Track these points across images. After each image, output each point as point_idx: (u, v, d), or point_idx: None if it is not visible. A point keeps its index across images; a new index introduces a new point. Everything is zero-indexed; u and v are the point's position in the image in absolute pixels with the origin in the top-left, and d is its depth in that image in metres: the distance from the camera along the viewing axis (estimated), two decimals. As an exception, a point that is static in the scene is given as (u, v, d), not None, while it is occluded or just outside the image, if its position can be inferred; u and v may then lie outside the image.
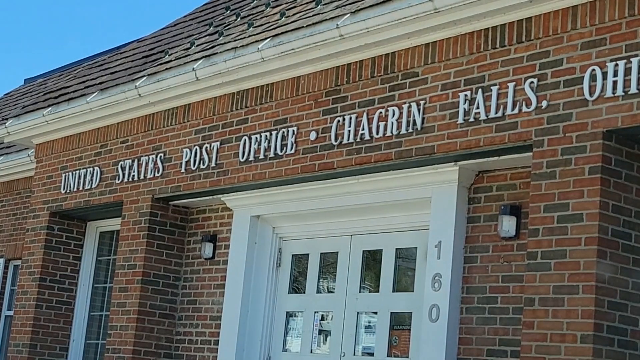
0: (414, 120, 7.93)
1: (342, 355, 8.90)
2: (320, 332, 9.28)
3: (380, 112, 8.22)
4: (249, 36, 9.53)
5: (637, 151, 6.87)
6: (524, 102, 7.17)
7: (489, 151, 7.53)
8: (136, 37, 23.84)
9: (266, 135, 9.28)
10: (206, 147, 9.93)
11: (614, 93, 6.62)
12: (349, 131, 8.45)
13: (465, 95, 7.59)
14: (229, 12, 11.54)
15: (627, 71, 6.58)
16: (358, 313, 8.90)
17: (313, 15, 8.93)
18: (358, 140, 8.36)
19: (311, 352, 9.30)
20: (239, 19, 10.75)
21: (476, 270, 7.78)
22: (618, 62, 6.64)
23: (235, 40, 9.73)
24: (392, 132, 8.08)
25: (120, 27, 46.46)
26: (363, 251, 8.98)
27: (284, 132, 9.11)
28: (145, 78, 10.56)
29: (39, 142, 12.57)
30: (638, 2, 6.59)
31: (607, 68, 6.69)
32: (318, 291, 9.43)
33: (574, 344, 6.56)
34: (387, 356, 8.55)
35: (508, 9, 7.29)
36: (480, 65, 7.54)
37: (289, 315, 9.61)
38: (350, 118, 8.46)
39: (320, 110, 8.80)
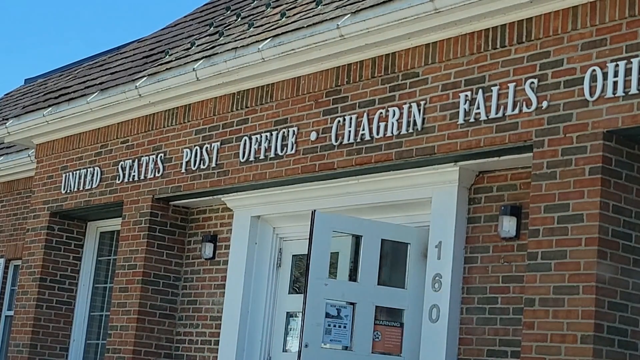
0: (415, 121, 7.93)
1: (342, 355, 8.88)
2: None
3: (381, 113, 8.22)
4: (250, 36, 9.53)
5: (638, 152, 6.87)
6: (524, 103, 7.17)
7: (489, 151, 7.53)
8: (136, 37, 23.87)
9: (266, 136, 9.29)
10: (206, 147, 9.94)
11: (614, 93, 6.62)
12: (350, 131, 8.45)
13: (466, 95, 7.59)
14: (229, 12, 11.55)
15: (628, 72, 6.58)
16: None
17: (313, 15, 8.94)
18: (358, 140, 8.36)
19: (311, 352, 9.29)
20: (239, 19, 10.75)
21: (476, 271, 7.78)
22: (618, 62, 6.64)
23: (235, 41, 9.73)
24: (392, 133, 8.09)
25: (120, 27, 46.48)
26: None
27: (284, 132, 9.11)
28: (145, 78, 10.56)
29: (39, 142, 12.58)
30: (638, 2, 6.59)
31: (608, 68, 6.69)
32: (318, 291, 9.41)
33: (574, 345, 6.57)
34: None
35: (508, 9, 7.29)
36: (480, 66, 7.55)
37: (289, 315, 9.61)
38: (351, 118, 8.47)
39: (321, 110, 8.80)
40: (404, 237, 8.39)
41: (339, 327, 8.27)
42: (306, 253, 9.49)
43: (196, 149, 10.06)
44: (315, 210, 8.31)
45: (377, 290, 8.36)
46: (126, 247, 10.74)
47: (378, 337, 8.30)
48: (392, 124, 8.10)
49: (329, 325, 8.24)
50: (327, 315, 8.23)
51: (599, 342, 6.52)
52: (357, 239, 8.51)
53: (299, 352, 8.02)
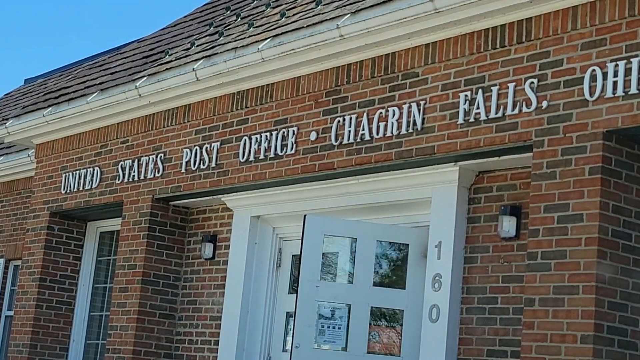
0: (414, 121, 7.93)
1: (342, 355, 8.89)
2: (320, 332, 9.27)
3: (381, 113, 8.22)
4: (249, 36, 9.53)
5: (637, 151, 6.87)
6: (524, 103, 7.17)
7: (489, 151, 7.53)
8: (136, 37, 23.85)
9: (266, 136, 9.29)
10: (206, 147, 9.94)
11: (614, 93, 6.62)
12: (349, 131, 8.45)
13: (466, 95, 7.59)
14: (229, 12, 11.55)
15: (627, 71, 6.58)
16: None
17: (313, 15, 8.94)
18: (358, 140, 8.36)
19: (311, 352, 9.28)
20: (239, 19, 10.75)
21: (476, 271, 7.78)
22: (618, 62, 6.64)
23: (235, 41, 9.73)
24: (392, 133, 8.09)
25: (120, 27, 46.48)
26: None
27: (284, 132, 9.11)
28: (145, 78, 10.56)
29: (39, 142, 12.58)
30: (638, 2, 6.59)
31: (607, 68, 6.69)
32: (318, 291, 9.41)
33: (574, 345, 6.57)
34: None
35: (508, 9, 7.29)
36: (480, 66, 7.55)
37: (289, 315, 9.60)
38: (351, 118, 8.47)
39: (321, 110, 8.80)
40: (400, 237, 8.39)
41: (334, 328, 8.28)
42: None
43: (196, 149, 10.06)
44: (306, 215, 8.32)
45: (373, 291, 8.36)
46: (126, 247, 10.74)
47: (375, 338, 8.31)
48: (392, 124, 8.10)
49: (323, 327, 8.24)
50: (321, 316, 8.24)
51: (598, 342, 6.52)
52: (354, 240, 8.53)
53: (290, 352, 8.04)
